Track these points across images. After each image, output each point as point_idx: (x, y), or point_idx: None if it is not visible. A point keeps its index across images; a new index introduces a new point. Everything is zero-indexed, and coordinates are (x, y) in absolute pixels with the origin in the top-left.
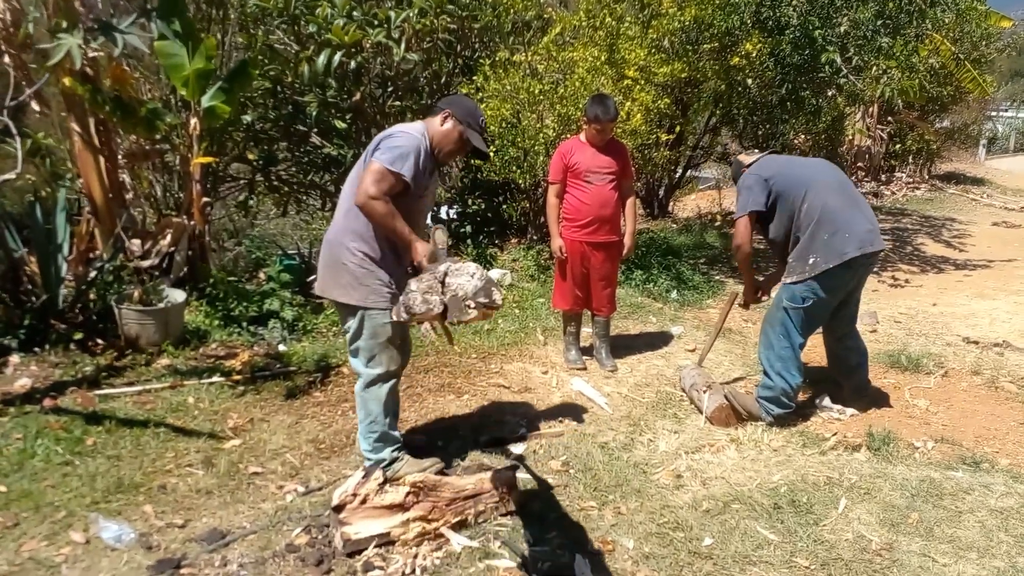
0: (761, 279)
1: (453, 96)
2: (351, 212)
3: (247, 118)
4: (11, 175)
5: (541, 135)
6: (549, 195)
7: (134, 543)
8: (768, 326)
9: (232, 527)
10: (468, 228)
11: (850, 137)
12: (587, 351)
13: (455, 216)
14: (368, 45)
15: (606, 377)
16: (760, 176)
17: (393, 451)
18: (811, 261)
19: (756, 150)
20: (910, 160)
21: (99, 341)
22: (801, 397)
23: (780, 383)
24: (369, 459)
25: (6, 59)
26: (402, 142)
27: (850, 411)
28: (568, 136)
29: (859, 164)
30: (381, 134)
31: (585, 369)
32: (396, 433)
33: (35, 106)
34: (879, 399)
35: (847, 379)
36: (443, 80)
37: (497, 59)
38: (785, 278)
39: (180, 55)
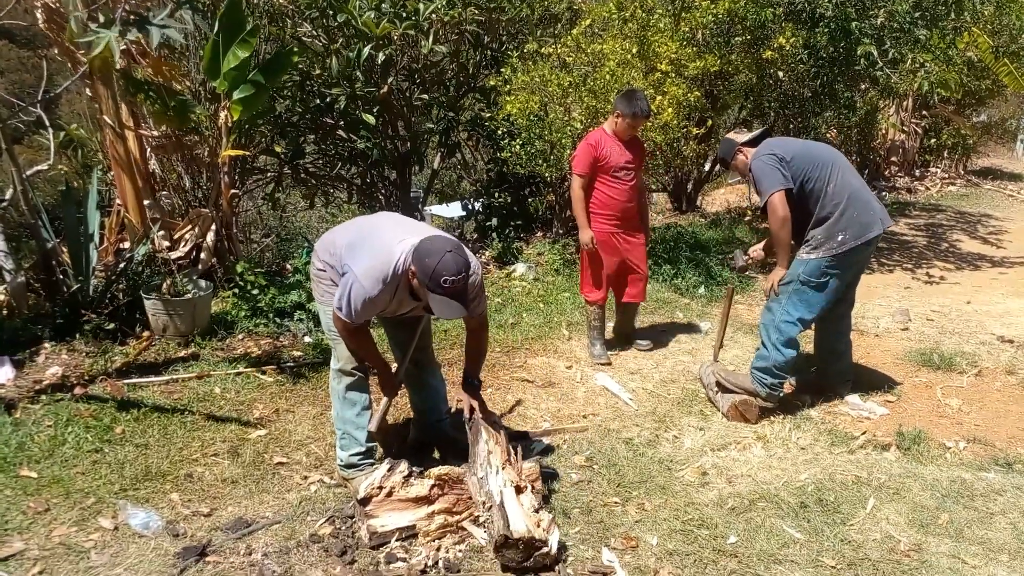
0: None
1: (424, 249)
2: (339, 243)
3: (277, 108)
4: (44, 166)
5: (568, 128)
6: (575, 187)
7: (161, 530)
8: (773, 298)
9: (257, 516)
10: (494, 221)
11: (884, 131)
12: (609, 345)
13: (480, 209)
14: (396, 37)
15: (631, 372)
16: (776, 156)
17: (352, 455)
18: (840, 238)
19: (744, 128)
20: (945, 155)
21: (128, 331)
22: (836, 403)
23: (774, 354)
24: (339, 457)
25: (54, 50)
26: (354, 292)
27: (880, 410)
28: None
29: (892, 159)
30: (350, 256)
31: (610, 364)
32: (361, 437)
33: (88, 91)
34: (909, 398)
35: (833, 364)
36: (470, 72)
37: (525, 51)
38: (807, 253)
39: (218, 47)
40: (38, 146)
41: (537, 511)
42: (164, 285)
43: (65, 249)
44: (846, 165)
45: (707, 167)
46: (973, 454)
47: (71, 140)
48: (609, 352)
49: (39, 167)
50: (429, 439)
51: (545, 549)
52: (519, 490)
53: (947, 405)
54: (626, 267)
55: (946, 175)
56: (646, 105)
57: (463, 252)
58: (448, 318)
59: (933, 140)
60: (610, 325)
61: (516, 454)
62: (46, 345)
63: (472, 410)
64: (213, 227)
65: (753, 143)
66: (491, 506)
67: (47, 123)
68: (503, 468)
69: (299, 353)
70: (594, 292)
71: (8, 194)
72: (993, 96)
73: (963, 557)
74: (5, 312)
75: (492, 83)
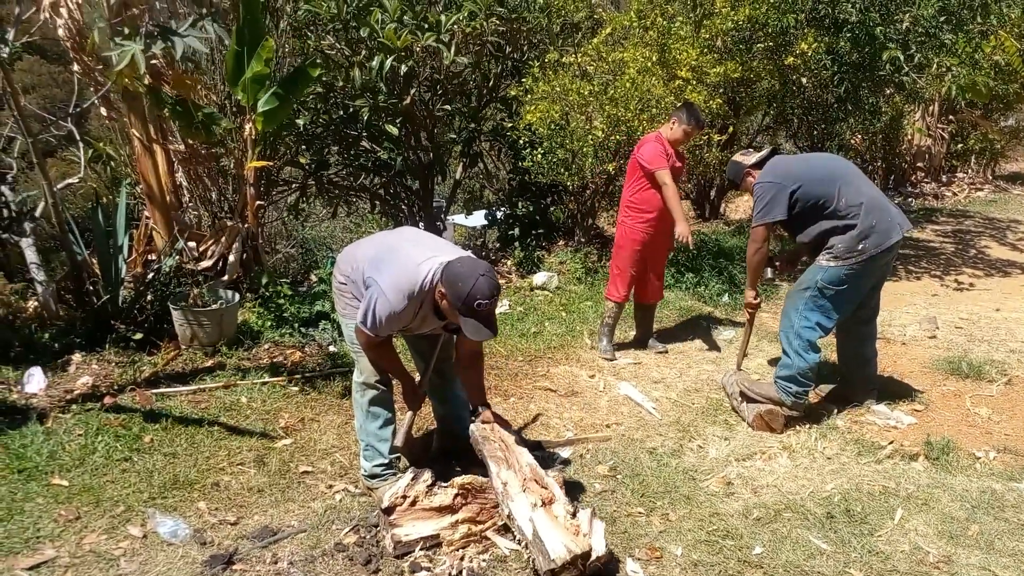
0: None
1: (456, 272)
2: (360, 257)
3: (300, 122)
4: (74, 179)
5: (590, 136)
6: (668, 180)
7: (189, 538)
8: (790, 304)
9: (282, 525)
10: (516, 230)
11: (909, 137)
12: (629, 348)
13: (502, 218)
14: (418, 49)
15: (655, 382)
16: (778, 184)
17: (376, 466)
18: (860, 247)
19: (751, 150)
20: (972, 160)
21: (157, 341)
22: (862, 412)
23: (797, 361)
24: (363, 467)
25: (74, 67)
26: (379, 306)
27: (908, 419)
28: (617, 137)
29: (918, 164)
30: (374, 270)
31: (615, 360)
32: (384, 449)
33: (103, 111)
34: (938, 407)
35: (858, 371)
36: (492, 82)
37: (546, 60)
38: (827, 260)
39: (240, 59)
40: (69, 160)
41: (574, 515)
42: (191, 296)
43: (95, 261)
44: (855, 174)
45: None
46: (1003, 464)
47: (100, 155)
48: (629, 354)
49: (70, 180)
50: (453, 448)
51: (594, 555)
52: (550, 502)
53: (976, 414)
54: (648, 268)
55: (973, 181)
56: (704, 118)
57: (494, 275)
58: (479, 339)
59: (960, 145)
60: (631, 333)
61: (534, 466)
62: (76, 355)
63: (500, 422)
64: (239, 238)
65: (760, 165)
66: (526, 543)
67: (78, 137)
68: (524, 490)
69: (320, 363)
70: (622, 291)
71: (40, 207)
72: (1021, 100)
73: (994, 569)
74: (37, 323)
75: (514, 93)
